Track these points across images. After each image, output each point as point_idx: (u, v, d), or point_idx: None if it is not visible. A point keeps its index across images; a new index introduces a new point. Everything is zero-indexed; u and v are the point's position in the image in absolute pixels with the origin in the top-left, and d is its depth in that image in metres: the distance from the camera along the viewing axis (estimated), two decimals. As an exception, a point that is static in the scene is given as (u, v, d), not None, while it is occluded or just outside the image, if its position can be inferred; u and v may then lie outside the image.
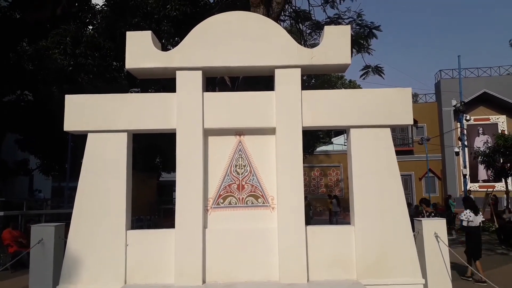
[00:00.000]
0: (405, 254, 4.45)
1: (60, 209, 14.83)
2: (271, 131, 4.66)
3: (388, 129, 4.67)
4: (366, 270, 4.41)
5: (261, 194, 4.68)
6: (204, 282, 4.38)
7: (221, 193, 4.68)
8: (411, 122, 4.66)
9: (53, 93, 10.24)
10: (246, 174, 4.71)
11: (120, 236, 4.45)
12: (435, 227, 4.77)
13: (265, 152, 4.71)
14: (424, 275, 4.53)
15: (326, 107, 4.64)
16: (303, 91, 4.62)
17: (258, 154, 4.73)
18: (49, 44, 9.97)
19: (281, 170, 4.52)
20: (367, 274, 4.40)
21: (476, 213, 7.59)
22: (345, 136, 29.74)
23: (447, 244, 4.74)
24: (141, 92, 11.89)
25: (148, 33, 4.65)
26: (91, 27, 12.26)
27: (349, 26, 4.87)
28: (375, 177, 4.57)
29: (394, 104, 4.64)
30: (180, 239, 4.39)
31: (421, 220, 4.90)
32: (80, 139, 12.70)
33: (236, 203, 4.66)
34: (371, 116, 4.60)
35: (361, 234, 4.49)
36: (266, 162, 4.70)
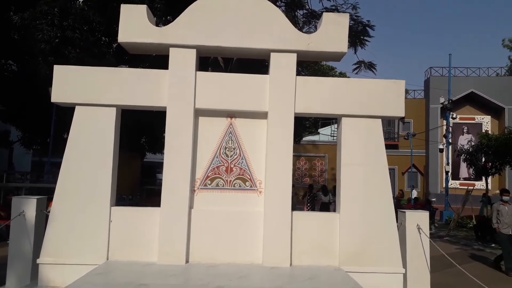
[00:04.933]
0: (388, 243, 4.51)
1: (39, 183, 14.60)
2: (263, 115, 4.63)
3: (379, 120, 4.69)
4: (349, 258, 4.47)
5: (249, 177, 4.66)
6: (187, 262, 4.38)
7: (209, 175, 4.65)
8: (403, 115, 4.68)
9: (39, 64, 9.94)
10: (235, 157, 4.68)
11: (104, 212, 4.39)
12: (418, 219, 4.84)
13: (255, 136, 4.69)
14: (404, 265, 4.61)
15: (320, 95, 4.62)
16: (297, 77, 4.59)
17: (248, 137, 4.71)
18: (36, 14, 9.63)
19: (270, 155, 4.51)
20: (349, 261, 4.46)
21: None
22: (332, 127, 29.86)
23: (429, 236, 4.83)
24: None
25: (144, 7, 4.53)
26: (81, 0, 11.90)
27: (347, 15, 4.82)
28: (363, 167, 4.60)
29: (386, 95, 4.65)
30: (165, 218, 4.36)
31: (404, 212, 4.96)
32: (64, 113, 12.49)
33: (223, 185, 4.64)
34: (364, 106, 4.61)
35: (346, 222, 4.53)
36: (256, 146, 4.68)
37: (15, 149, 18.03)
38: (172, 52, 4.52)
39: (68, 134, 4.62)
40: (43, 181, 14.89)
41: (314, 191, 15.51)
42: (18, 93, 13.26)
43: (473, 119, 26.01)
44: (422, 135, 25.42)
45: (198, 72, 4.56)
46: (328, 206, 14.72)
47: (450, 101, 20.33)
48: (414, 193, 20.52)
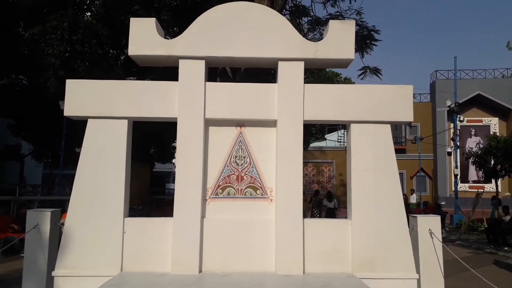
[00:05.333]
0: (400, 249, 4.50)
1: (50, 196, 14.74)
2: (272, 123, 4.67)
3: (389, 126, 4.70)
4: (361, 264, 4.46)
5: (260, 185, 4.69)
6: (200, 271, 4.40)
7: (220, 184, 4.68)
8: (412, 119, 4.69)
9: (49, 78, 10.12)
10: (245, 165, 4.72)
11: (117, 223, 4.44)
12: (429, 224, 4.82)
13: (265, 144, 4.72)
14: (417, 270, 4.59)
15: (328, 102, 4.65)
16: (305, 84, 4.63)
17: (258, 146, 4.74)
18: (46, 29, 9.82)
19: (280, 163, 4.54)
20: (362, 267, 4.45)
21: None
22: (338, 132, 29.78)
23: (441, 241, 4.81)
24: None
25: (152, 20, 4.61)
26: (89, 14, 12.12)
27: (353, 22, 4.87)
28: (374, 172, 4.61)
29: (395, 100, 4.67)
30: (178, 228, 4.40)
31: (416, 217, 4.95)
32: (75, 126, 12.63)
33: (234, 194, 4.67)
34: (372, 112, 4.63)
35: (358, 228, 4.53)
36: (266, 154, 4.71)
37: (26, 162, 18.24)
38: (182, 63, 4.59)
39: (79, 148, 4.69)
40: (54, 193, 15.02)
41: (320, 197, 15.56)
42: (29, 107, 13.47)
43: (481, 121, 25.88)
44: (430, 139, 25.30)
45: (207, 83, 4.62)
46: (334, 211, 14.73)
47: (457, 104, 20.25)
48: (414, 198, 20.31)
